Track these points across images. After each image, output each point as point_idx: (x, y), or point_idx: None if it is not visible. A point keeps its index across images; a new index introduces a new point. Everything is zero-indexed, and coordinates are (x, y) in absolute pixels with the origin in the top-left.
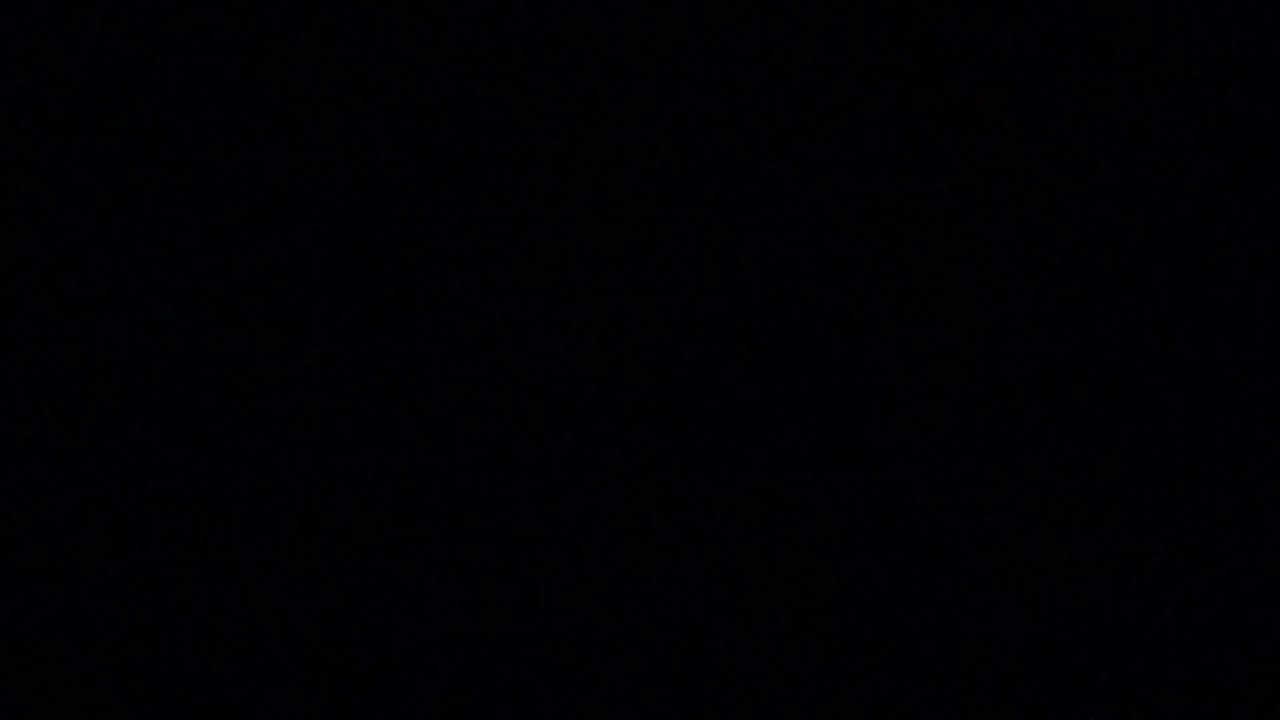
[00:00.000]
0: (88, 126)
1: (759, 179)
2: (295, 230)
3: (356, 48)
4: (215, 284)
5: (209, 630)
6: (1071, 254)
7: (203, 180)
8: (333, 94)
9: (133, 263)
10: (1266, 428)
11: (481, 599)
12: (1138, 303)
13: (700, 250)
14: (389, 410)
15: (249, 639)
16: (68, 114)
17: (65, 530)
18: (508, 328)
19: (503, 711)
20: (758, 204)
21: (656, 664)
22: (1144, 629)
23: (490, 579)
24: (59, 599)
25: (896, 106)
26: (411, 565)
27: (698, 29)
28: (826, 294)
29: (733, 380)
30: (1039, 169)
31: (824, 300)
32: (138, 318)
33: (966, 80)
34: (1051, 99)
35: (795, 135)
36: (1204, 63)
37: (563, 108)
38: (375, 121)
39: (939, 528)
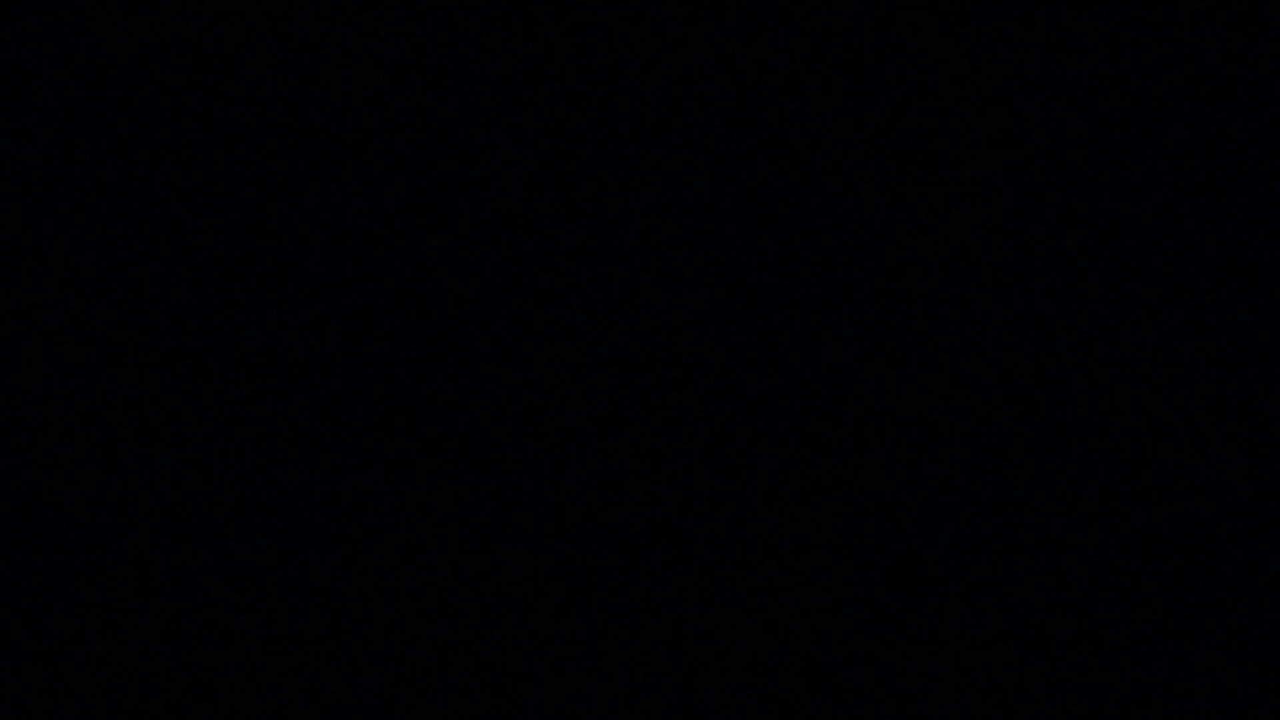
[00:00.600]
0: (87, 125)
1: (757, 179)
2: (294, 230)
3: (357, 48)
4: (215, 283)
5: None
6: (1069, 252)
7: (203, 179)
8: (331, 94)
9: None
10: (1266, 427)
11: (479, 599)
12: (1136, 301)
13: (696, 249)
14: (387, 410)
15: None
16: (67, 114)
17: (64, 529)
18: (503, 327)
19: (502, 710)
20: (755, 203)
21: (655, 664)
22: (1144, 629)
23: (488, 578)
24: (58, 598)
25: (894, 107)
26: (410, 564)
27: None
28: (822, 293)
29: (729, 379)
30: (1034, 166)
31: (820, 299)
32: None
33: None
34: (1046, 98)
35: (793, 138)
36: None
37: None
38: (375, 122)
39: (937, 528)
